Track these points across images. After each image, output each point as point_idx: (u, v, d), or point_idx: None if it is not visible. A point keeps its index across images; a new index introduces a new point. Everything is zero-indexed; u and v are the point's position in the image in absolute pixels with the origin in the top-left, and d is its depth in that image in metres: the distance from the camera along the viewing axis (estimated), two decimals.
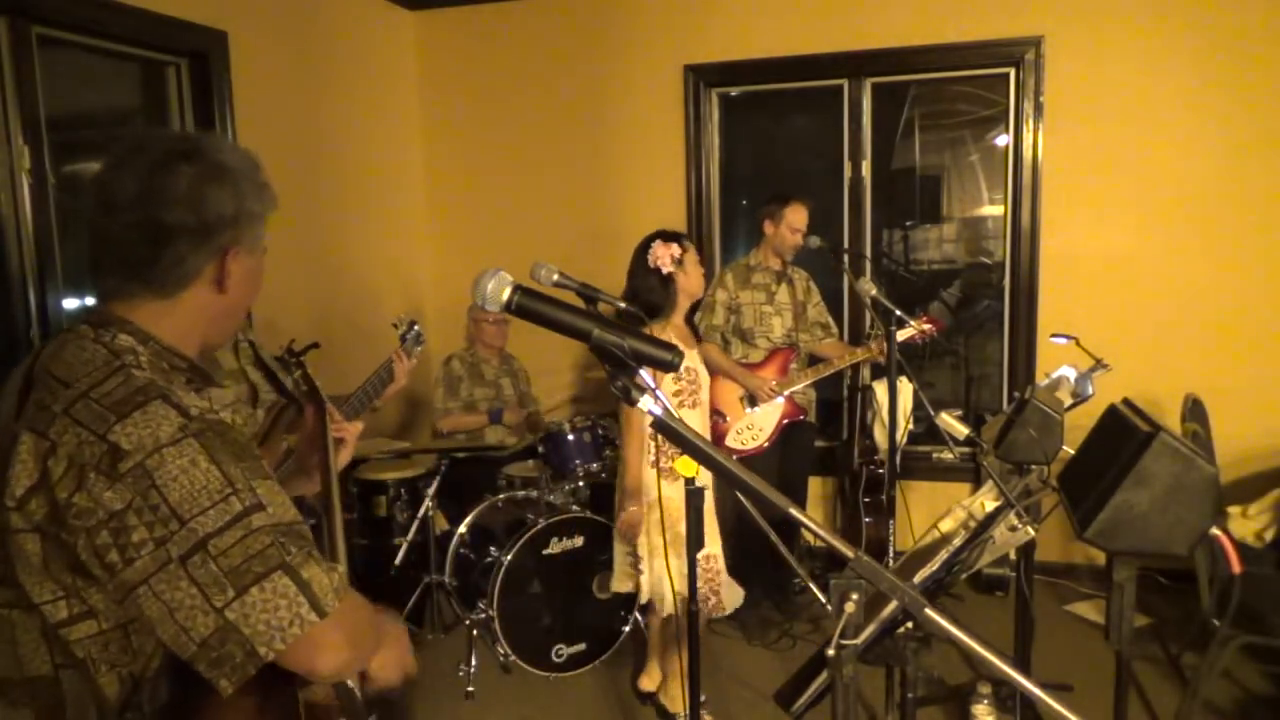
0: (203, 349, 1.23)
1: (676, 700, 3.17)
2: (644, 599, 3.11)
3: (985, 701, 2.77)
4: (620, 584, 3.20)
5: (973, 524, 1.72)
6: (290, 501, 1.09)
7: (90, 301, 3.17)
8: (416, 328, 2.99)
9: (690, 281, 3.01)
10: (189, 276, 1.15)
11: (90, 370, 1.06)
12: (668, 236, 3.01)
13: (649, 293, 2.95)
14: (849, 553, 1.08)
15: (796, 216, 3.84)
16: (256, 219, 1.20)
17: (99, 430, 1.01)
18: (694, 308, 3.22)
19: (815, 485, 4.60)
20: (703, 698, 3.23)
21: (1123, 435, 1.95)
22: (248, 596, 1.00)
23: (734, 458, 3.47)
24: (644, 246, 3.01)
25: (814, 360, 4.05)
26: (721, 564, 3.09)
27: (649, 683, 3.33)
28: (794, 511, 1.11)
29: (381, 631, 1.24)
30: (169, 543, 1.00)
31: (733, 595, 3.16)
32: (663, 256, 2.94)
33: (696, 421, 3.03)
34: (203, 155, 1.15)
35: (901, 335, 3.54)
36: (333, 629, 1.04)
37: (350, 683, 1.31)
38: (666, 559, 2.90)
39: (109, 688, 1.08)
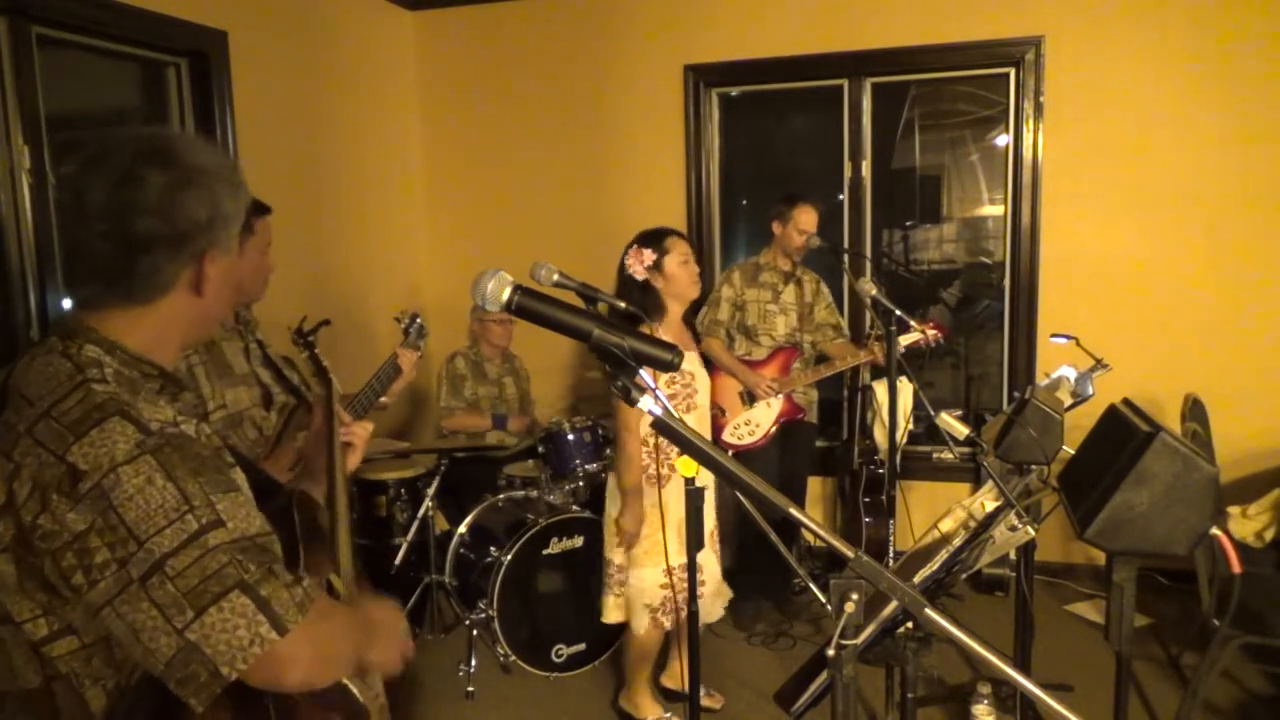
0: (181, 349, 1.21)
1: (642, 707, 3.16)
2: (621, 618, 3.03)
3: (985, 701, 2.77)
4: (612, 614, 3.07)
5: (973, 524, 1.72)
6: (255, 513, 1.07)
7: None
8: (419, 320, 2.96)
9: (673, 284, 2.89)
10: (166, 285, 1.13)
11: (54, 387, 1.04)
12: (644, 239, 2.89)
13: (629, 296, 2.82)
14: (849, 553, 1.08)
15: (805, 218, 3.85)
16: (232, 220, 1.17)
17: (58, 450, 1.00)
18: (696, 306, 3.10)
19: (815, 485, 4.60)
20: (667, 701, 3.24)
21: (1123, 435, 1.95)
22: (206, 617, 0.99)
23: (729, 453, 3.46)
24: (626, 250, 2.92)
25: (820, 360, 4.05)
26: (708, 574, 3.03)
27: (669, 680, 3.30)
28: (794, 511, 1.11)
29: (368, 627, 1.23)
30: (130, 564, 0.99)
31: (716, 606, 3.13)
32: (634, 265, 2.86)
33: (693, 425, 2.98)
34: (174, 159, 1.11)
35: (905, 340, 3.54)
36: (295, 645, 1.02)
37: (347, 682, 1.31)
38: (667, 557, 2.88)
39: (95, 701, 1.08)
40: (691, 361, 2.99)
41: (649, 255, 2.86)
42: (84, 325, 1.11)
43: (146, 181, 1.09)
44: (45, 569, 1.00)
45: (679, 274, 2.90)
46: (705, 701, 3.20)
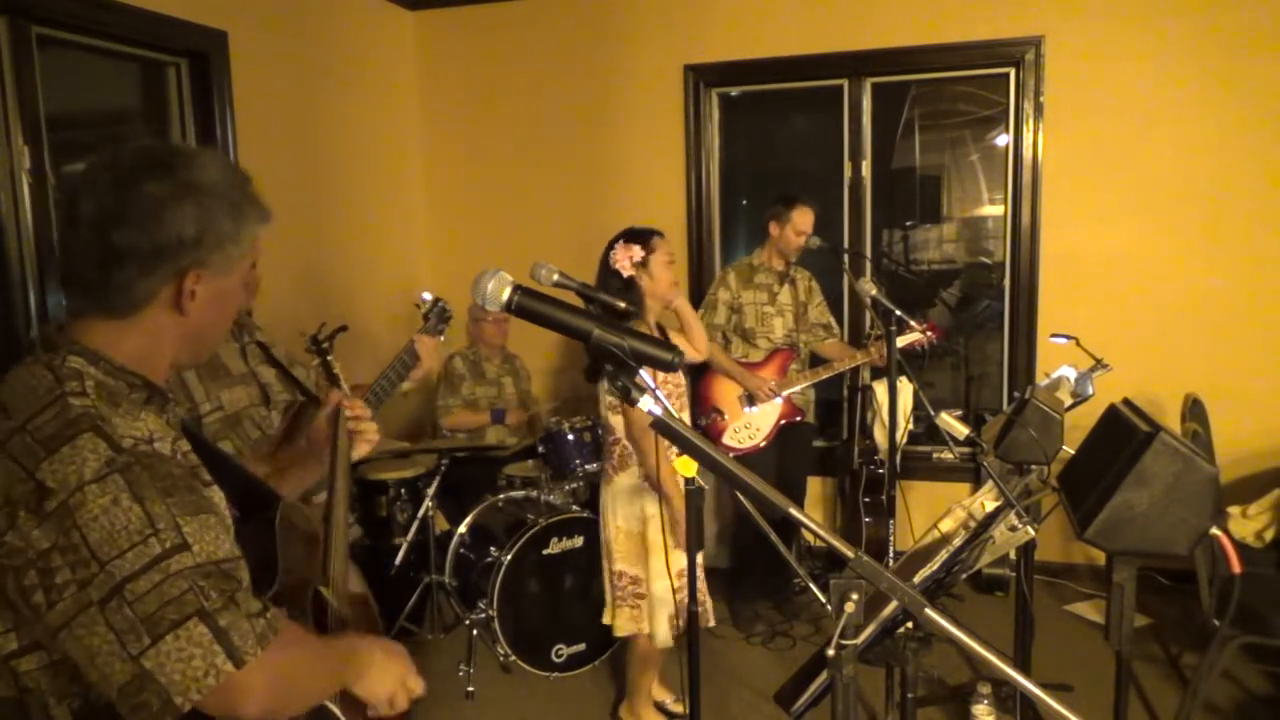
0: (174, 368, 1.19)
1: (644, 718, 3.12)
2: (637, 629, 2.92)
3: (985, 701, 2.77)
4: (628, 627, 2.93)
5: (973, 524, 1.72)
6: (225, 537, 1.05)
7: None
8: (441, 303, 2.81)
9: (656, 284, 2.85)
10: (141, 300, 1.10)
11: (33, 400, 1.03)
12: (631, 236, 2.86)
13: (613, 294, 2.68)
14: (849, 553, 1.08)
15: (802, 219, 3.86)
16: (229, 239, 1.13)
17: (29, 467, 0.98)
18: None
19: (815, 485, 4.60)
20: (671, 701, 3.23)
21: (1123, 435, 1.95)
22: (163, 644, 0.97)
23: (730, 456, 3.44)
24: (610, 245, 2.87)
25: (815, 361, 4.06)
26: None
27: (662, 693, 3.25)
28: (794, 511, 1.11)
29: (351, 658, 1.22)
30: (90, 585, 0.97)
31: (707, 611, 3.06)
32: (621, 259, 2.81)
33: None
34: (172, 172, 1.09)
35: (902, 341, 3.55)
36: (252, 677, 1.00)
37: (331, 705, 1.30)
38: (668, 563, 2.82)
39: (61, 719, 1.07)
40: None
41: (638, 252, 2.83)
42: (69, 336, 1.10)
43: (137, 192, 1.07)
44: (8, 586, 0.99)
45: (663, 274, 2.88)
46: (673, 706, 3.20)
